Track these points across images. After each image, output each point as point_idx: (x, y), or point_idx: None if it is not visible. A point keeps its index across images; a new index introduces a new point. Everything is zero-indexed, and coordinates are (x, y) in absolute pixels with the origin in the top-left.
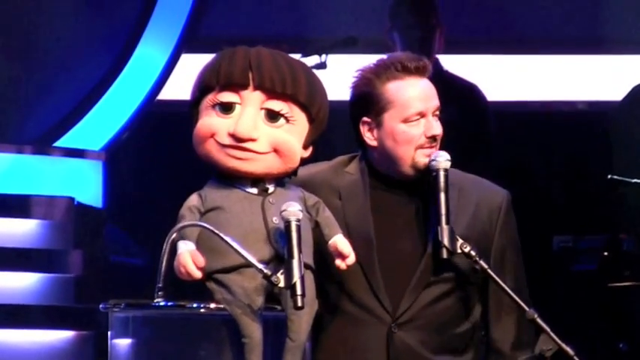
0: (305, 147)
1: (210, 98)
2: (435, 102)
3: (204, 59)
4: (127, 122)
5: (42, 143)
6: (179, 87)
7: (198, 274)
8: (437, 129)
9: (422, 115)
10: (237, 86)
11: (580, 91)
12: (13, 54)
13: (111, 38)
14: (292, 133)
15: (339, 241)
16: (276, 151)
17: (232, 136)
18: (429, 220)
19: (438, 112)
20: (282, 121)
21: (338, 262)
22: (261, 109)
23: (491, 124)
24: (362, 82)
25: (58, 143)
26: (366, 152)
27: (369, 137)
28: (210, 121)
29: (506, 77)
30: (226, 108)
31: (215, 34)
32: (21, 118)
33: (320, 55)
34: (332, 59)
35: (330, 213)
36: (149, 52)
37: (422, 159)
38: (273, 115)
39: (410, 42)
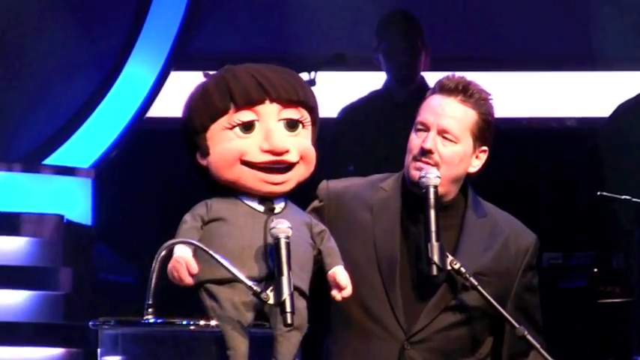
0: None
1: (225, 121)
2: (445, 121)
3: (192, 77)
4: (116, 140)
5: (31, 161)
6: (168, 104)
7: (189, 280)
8: (428, 142)
9: (425, 126)
10: (254, 103)
11: (569, 108)
12: (1, 73)
13: (100, 56)
14: (307, 138)
15: (339, 272)
16: (302, 158)
17: (268, 152)
18: (455, 242)
19: (447, 135)
20: (300, 128)
21: (334, 292)
22: (279, 120)
23: None
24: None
25: (47, 161)
26: None
27: None
28: (234, 144)
29: (495, 94)
30: (247, 127)
31: (204, 52)
32: (10, 135)
33: (309, 72)
34: (321, 76)
35: (334, 243)
36: (138, 70)
37: (413, 171)
38: (292, 124)
39: (395, 66)
